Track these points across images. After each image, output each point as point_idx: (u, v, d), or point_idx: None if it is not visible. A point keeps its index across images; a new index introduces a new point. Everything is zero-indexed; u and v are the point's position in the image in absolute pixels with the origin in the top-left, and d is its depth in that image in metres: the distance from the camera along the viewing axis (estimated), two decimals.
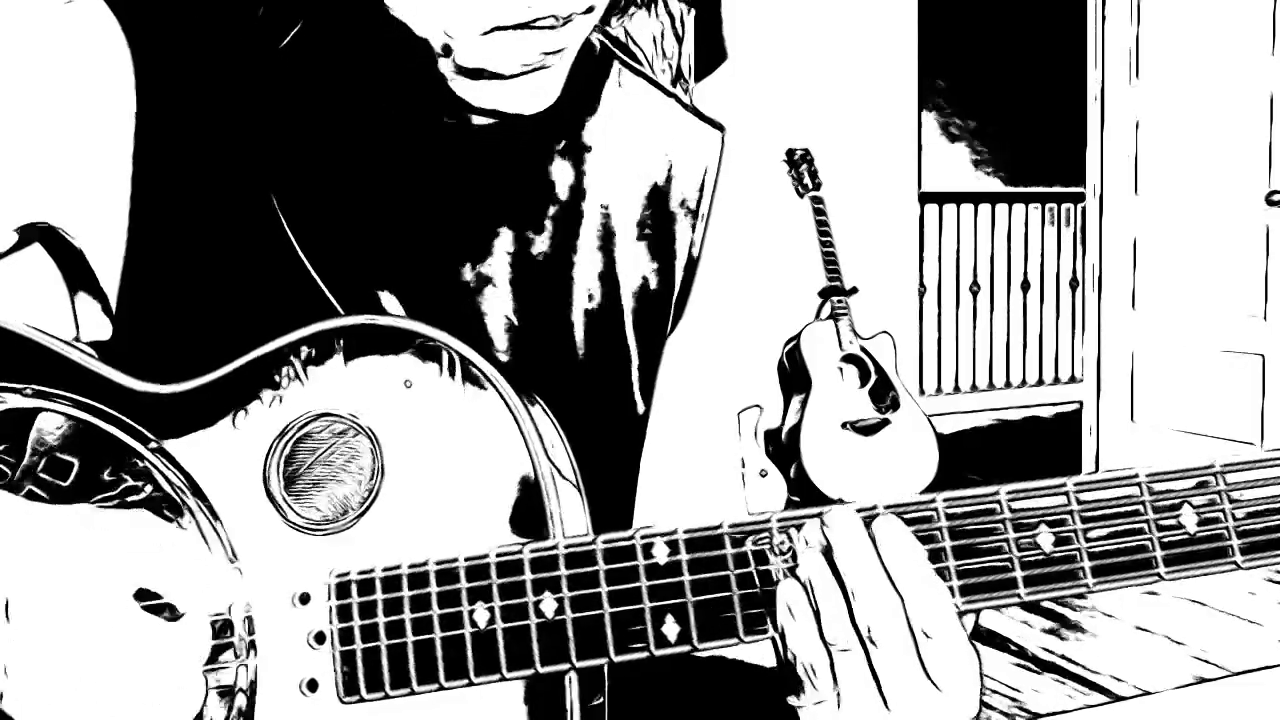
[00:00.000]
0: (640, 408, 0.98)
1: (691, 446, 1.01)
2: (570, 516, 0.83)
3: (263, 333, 0.83)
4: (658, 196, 0.99)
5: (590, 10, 0.86)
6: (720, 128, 1.02)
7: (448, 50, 0.86)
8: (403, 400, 0.82)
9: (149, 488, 0.81)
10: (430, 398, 0.82)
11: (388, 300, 0.90)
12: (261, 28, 0.90)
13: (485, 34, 0.84)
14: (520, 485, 0.81)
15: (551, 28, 0.84)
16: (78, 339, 0.89)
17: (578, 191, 0.96)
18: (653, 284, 0.98)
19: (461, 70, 0.87)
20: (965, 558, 0.79)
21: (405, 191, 0.91)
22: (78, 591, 0.74)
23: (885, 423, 4.05)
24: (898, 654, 0.74)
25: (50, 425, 0.81)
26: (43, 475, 0.80)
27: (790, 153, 4.24)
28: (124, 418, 0.81)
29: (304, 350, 0.82)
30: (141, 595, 0.76)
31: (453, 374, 0.82)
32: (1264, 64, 4.17)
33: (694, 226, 1.00)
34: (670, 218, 0.99)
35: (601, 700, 0.83)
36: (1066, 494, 0.79)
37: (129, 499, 0.80)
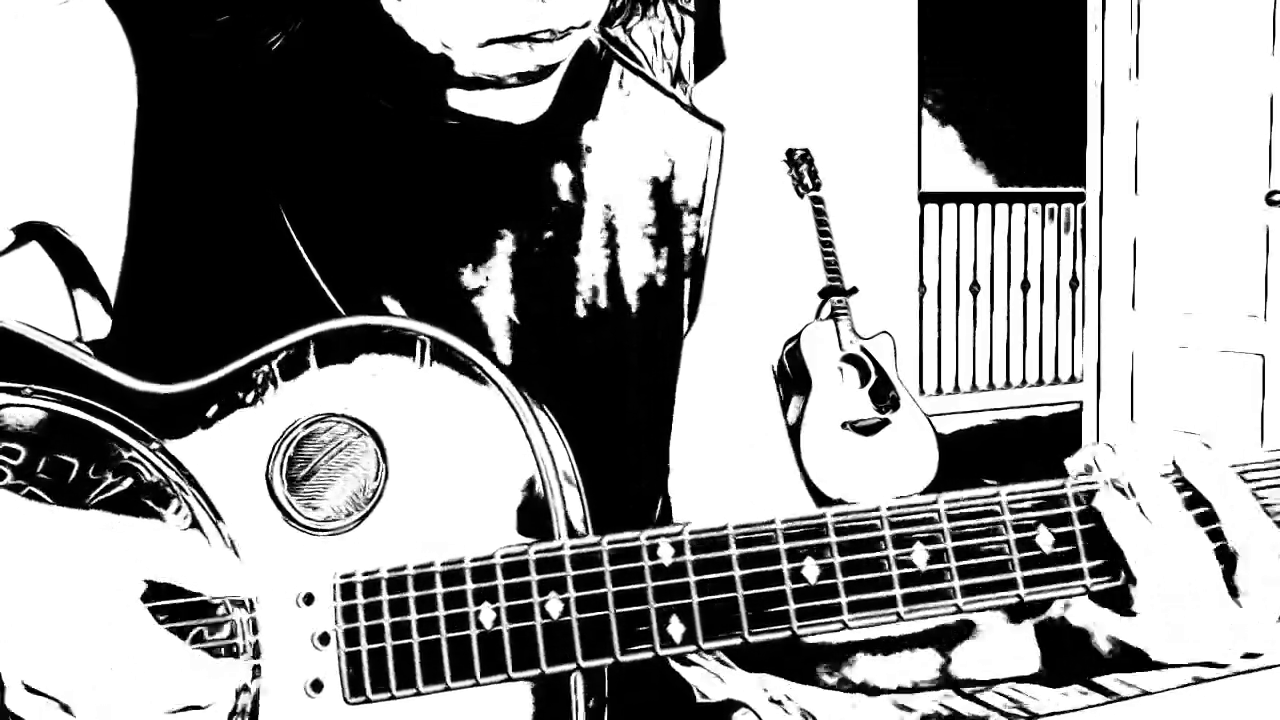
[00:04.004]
0: (653, 404, 0.99)
1: (716, 444, 1.02)
2: (572, 517, 0.83)
3: (263, 333, 0.83)
4: (660, 195, 0.99)
5: (587, 24, 0.87)
6: (719, 126, 1.03)
7: (444, 59, 0.86)
8: (406, 400, 0.82)
9: (129, 480, 0.81)
10: (434, 397, 0.82)
11: (389, 302, 0.90)
12: (256, 27, 0.91)
13: (482, 46, 0.85)
14: (524, 485, 0.82)
15: (549, 41, 0.85)
16: (79, 338, 0.89)
17: (579, 192, 0.96)
18: (659, 281, 0.99)
19: (458, 79, 0.88)
20: (967, 558, 0.79)
21: (405, 193, 0.92)
22: (90, 590, 0.74)
23: (885, 423, 4.06)
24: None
25: (16, 421, 0.82)
26: (41, 475, 0.81)
27: (790, 153, 4.24)
28: (123, 416, 0.82)
29: (302, 351, 0.82)
30: (159, 607, 0.76)
31: (462, 373, 0.82)
32: (1264, 64, 4.17)
33: (699, 224, 1.00)
34: (674, 216, 1.00)
35: (600, 701, 0.83)
36: (1065, 495, 0.80)
37: (113, 491, 0.80)
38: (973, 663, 0.92)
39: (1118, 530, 0.79)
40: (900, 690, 0.96)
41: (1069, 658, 0.87)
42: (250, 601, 0.80)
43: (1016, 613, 0.90)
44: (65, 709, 0.73)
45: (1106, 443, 0.81)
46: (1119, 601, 0.82)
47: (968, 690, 3.11)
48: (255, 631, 0.79)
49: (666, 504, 1.02)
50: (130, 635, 0.73)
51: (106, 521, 0.77)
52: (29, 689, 0.72)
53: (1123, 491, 0.80)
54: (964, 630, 0.92)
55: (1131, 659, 0.83)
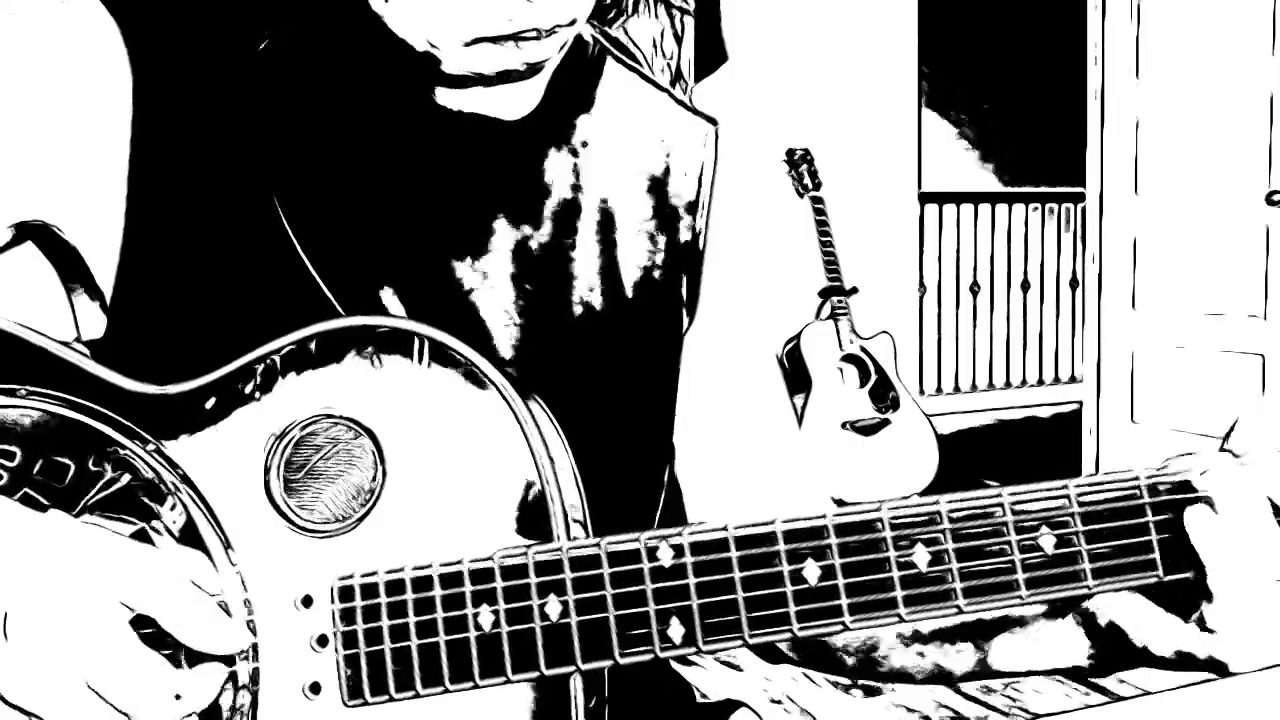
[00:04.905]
0: (653, 401, 0.99)
1: (727, 441, 1.02)
2: (571, 518, 0.83)
3: (261, 333, 0.83)
4: (656, 190, 0.99)
5: (573, 22, 0.87)
6: (714, 121, 1.03)
7: (431, 58, 0.86)
8: (404, 401, 0.82)
9: (127, 476, 0.81)
10: (432, 398, 0.82)
11: (388, 299, 0.90)
12: (249, 28, 0.91)
13: (468, 45, 0.85)
14: (523, 487, 0.81)
15: (535, 39, 0.85)
16: (78, 338, 0.89)
17: (575, 187, 0.96)
18: (657, 277, 0.99)
19: (445, 77, 0.88)
20: (968, 559, 0.79)
21: (400, 190, 0.92)
22: (77, 607, 0.74)
23: (885, 423, 4.06)
24: None
25: (11, 422, 0.81)
26: (37, 477, 0.80)
27: (790, 153, 4.24)
28: (119, 417, 0.82)
29: (299, 351, 0.82)
30: (141, 622, 0.75)
31: (460, 374, 0.82)
32: (1264, 64, 4.17)
33: (695, 219, 1.00)
34: (670, 211, 1.00)
35: (600, 701, 0.83)
36: (1067, 496, 0.79)
37: (108, 490, 0.80)
38: (1013, 656, 0.91)
39: (1203, 546, 0.78)
40: (933, 680, 0.96)
41: (1119, 657, 0.85)
42: (248, 620, 0.79)
43: (1058, 608, 0.89)
44: None
45: (1190, 452, 0.80)
46: (1184, 608, 0.81)
47: (970, 688, 3.11)
48: (253, 634, 0.79)
49: (671, 503, 1.02)
50: (111, 652, 0.73)
51: (99, 538, 0.77)
52: (8, 704, 0.72)
53: (1209, 504, 0.78)
54: (1005, 623, 0.91)
55: (1190, 663, 0.82)
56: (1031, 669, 0.91)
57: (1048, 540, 0.79)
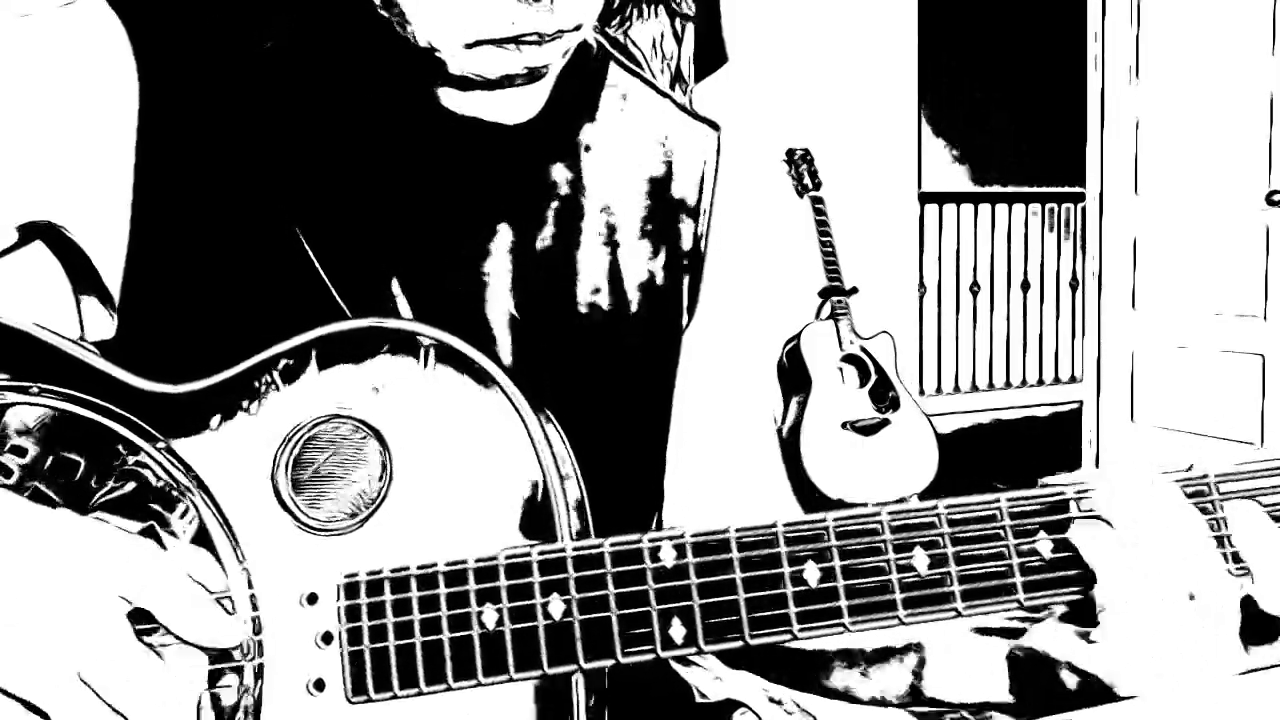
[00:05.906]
0: (653, 403, 0.99)
1: (715, 443, 1.02)
2: (574, 519, 0.83)
3: (266, 332, 0.83)
4: (658, 194, 1.00)
5: (578, 28, 0.87)
6: (715, 126, 1.04)
7: (434, 59, 0.87)
8: (411, 401, 0.82)
9: (133, 484, 0.81)
10: (438, 398, 0.82)
11: (394, 300, 0.90)
12: (254, 29, 0.91)
13: (469, 47, 0.86)
14: (528, 487, 0.82)
15: (536, 43, 0.86)
16: (83, 338, 0.89)
17: (578, 189, 0.97)
18: (658, 279, 0.99)
19: (448, 78, 0.89)
20: (967, 563, 0.79)
21: (406, 192, 0.92)
22: (74, 599, 0.74)
23: (885, 423, 4.05)
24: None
25: (23, 420, 0.82)
26: (49, 473, 0.81)
27: (790, 153, 4.24)
28: (129, 415, 0.82)
29: (307, 352, 0.83)
30: (137, 618, 0.76)
31: (466, 374, 0.83)
32: (1264, 64, 4.17)
33: (696, 222, 1.01)
34: (672, 214, 1.00)
35: (601, 701, 0.83)
36: (1065, 502, 0.80)
37: (117, 494, 0.81)
38: (941, 682, 0.92)
39: (1091, 555, 0.78)
40: (874, 703, 0.96)
41: (1036, 687, 0.86)
42: (254, 618, 0.80)
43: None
44: (39, 713, 0.73)
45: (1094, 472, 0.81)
46: (1085, 626, 0.81)
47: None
48: (258, 631, 0.80)
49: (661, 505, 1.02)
50: (104, 646, 0.73)
51: (104, 534, 0.77)
52: (3, 691, 0.73)
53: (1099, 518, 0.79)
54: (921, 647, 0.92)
55: (1095, 691, 0.82)
56: (961, 700, 0.91)
57: (1044, 545, 0.80)
